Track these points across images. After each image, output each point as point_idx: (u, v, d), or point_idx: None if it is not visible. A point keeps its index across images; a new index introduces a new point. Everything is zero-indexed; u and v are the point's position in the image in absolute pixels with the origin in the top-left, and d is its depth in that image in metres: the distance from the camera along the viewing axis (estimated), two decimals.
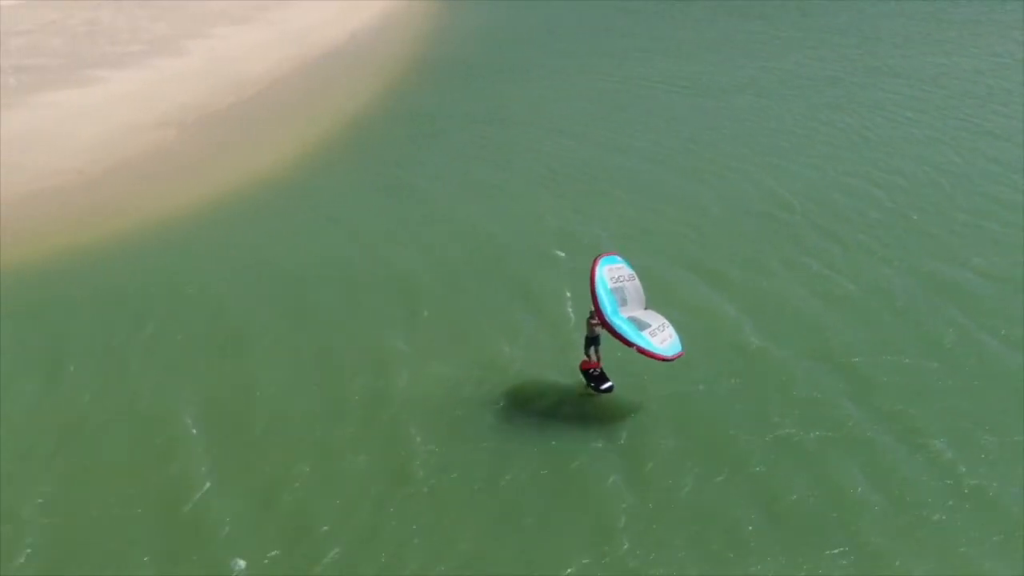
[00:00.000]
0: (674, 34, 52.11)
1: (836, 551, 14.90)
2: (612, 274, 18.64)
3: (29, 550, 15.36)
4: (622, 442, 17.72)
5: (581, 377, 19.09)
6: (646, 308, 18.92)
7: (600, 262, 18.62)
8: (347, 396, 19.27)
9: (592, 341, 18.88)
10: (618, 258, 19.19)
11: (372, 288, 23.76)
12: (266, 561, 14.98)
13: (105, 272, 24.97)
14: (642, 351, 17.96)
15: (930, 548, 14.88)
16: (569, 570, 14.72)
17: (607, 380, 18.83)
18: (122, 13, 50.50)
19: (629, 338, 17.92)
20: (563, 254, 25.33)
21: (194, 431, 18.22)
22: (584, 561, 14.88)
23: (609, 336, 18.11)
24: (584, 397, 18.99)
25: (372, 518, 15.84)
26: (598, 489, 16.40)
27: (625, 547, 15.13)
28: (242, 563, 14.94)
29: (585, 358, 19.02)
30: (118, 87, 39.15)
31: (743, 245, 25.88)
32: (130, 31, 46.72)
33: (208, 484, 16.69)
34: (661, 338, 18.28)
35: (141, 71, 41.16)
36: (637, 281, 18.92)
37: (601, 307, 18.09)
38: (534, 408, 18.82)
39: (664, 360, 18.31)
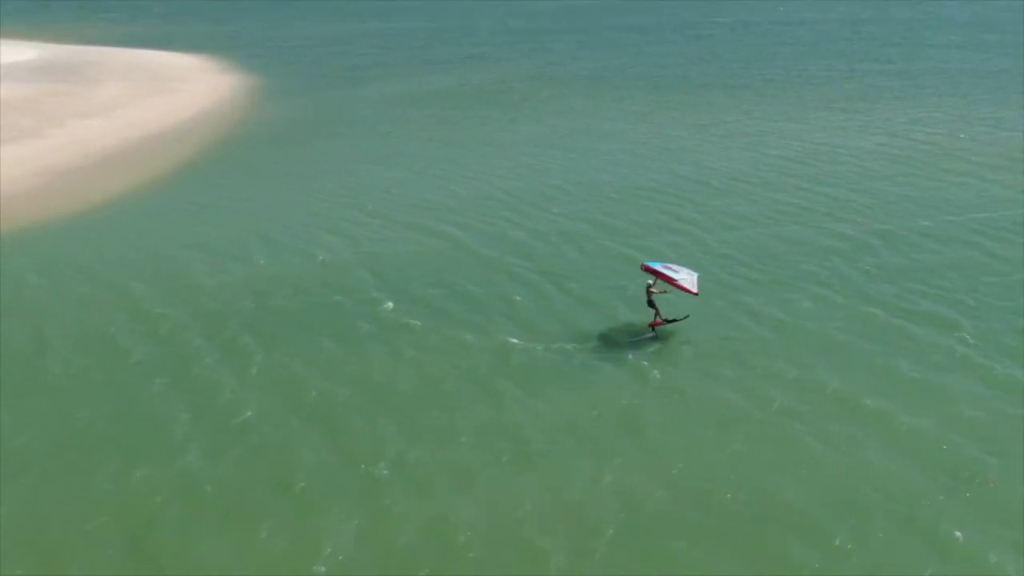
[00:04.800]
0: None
1: None
2: (662, 264, 28.50)
3: None
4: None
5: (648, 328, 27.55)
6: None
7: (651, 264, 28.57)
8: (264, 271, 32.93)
9: (651, 303, 27.06)
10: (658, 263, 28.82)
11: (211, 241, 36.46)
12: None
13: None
14: (668, 279, 27.04)
15: None
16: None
17: (678, 319, 27.48)
18: None
19: (657, 269, 27.45)
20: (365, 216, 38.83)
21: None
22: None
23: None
24: None
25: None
26: None
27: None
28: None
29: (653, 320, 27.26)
30: None
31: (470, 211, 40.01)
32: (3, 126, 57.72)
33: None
34: (688, 280, 27.15)
35: (13, 148, 52.00)
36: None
37: (651, 264, 28.20)
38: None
39: (685, 290, 26.87)
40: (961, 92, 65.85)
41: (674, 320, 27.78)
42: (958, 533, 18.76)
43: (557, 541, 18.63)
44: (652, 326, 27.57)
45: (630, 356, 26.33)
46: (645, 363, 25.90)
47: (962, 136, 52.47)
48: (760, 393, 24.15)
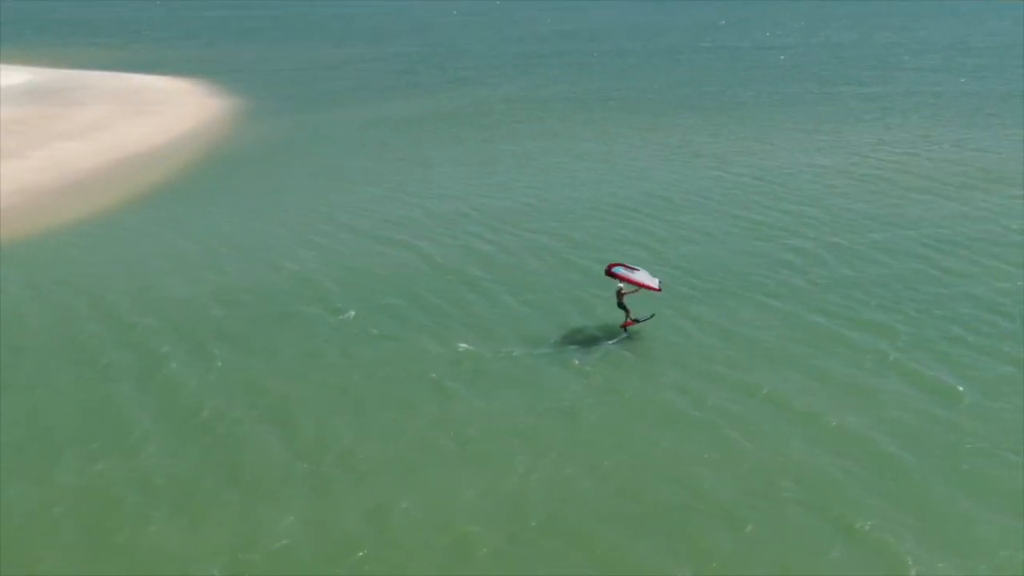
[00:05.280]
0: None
1: None
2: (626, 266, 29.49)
3: None
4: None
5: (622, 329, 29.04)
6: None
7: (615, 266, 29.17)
8: (235, 282, 33.64)
9: (621, 305, 28.69)
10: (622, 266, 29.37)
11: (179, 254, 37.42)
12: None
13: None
14: (631, 280, 28.32)
15: None
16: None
17: (645, 318, 29.05)
18: None
19: (621, 272, 28.46)
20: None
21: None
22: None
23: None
24: None
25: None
26: None
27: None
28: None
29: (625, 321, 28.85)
30: None
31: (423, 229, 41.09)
32: None
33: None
34: (649, 280, 28.70)
35: None
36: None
37: (616, 265, 29.04)
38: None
39: (649, 288, 28.45)
40: (929, 114, 67.52)
41: (642, 319, 29.32)
42: (867, 522, 19.83)
43: (488, 527, 19.72)
44: (624, 327, 29.06)
45: (576, 361, 27.46)
46: (589, 368, 27.03)
47: (924, 156, 53.95)
48: (696, 394, 25.29)
